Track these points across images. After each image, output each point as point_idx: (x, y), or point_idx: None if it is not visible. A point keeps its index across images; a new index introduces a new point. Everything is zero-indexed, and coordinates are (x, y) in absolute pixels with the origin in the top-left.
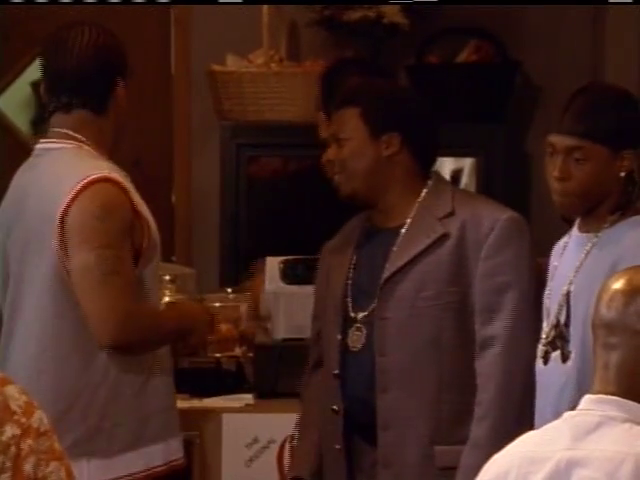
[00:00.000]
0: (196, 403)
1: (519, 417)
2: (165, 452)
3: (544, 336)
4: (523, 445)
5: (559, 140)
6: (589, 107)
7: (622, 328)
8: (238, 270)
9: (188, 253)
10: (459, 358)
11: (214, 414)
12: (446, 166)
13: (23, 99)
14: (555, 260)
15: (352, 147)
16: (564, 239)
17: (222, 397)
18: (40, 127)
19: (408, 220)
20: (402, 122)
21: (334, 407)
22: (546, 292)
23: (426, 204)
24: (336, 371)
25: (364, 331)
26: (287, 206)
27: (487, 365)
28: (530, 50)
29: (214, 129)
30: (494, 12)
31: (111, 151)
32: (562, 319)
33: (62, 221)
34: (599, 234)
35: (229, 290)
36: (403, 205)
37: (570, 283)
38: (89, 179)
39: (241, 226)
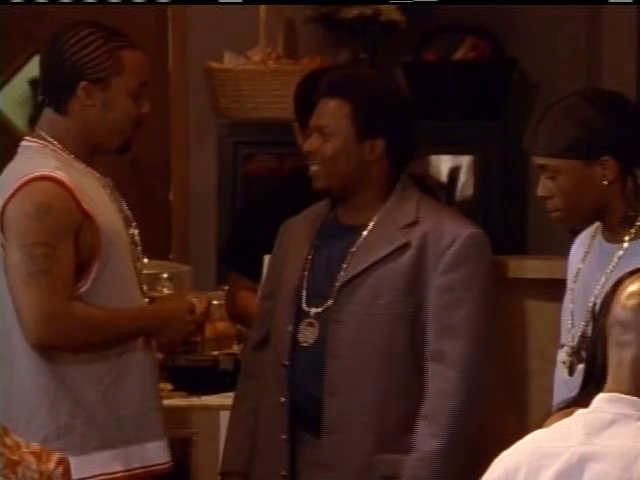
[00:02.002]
0: (194, 401)
1: (467, 434)
2: (143, 455)
3: (570, 343)
4: (533, 441)
5: (533, 160)
6: (548, 124)
7: (636, 325)
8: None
9: (185, 251)
10: (408, 368)
11: (212, 412)
12: (444, 164)
13: (21, 97)
14: (577, 261)
15: (335, 145)
16: (584, 239)
17: (220, 395)
18: None
19: (371, 223)
20: (390, 129)
21: (281, 399)
22: (568, 295)
23: (390, 210)
24: (285, 362)
25: (317, 327)
26: (288, 204)
27: (436, 381)
28: (527, 48)
29: (211, 127)
30: (491, 10)
31: (93, 152)
32: (589, 332)
33: (1, 218)
34: (624, 246)
35: (226, 288)
36: (371, 206)
37: (596, 297)
38: (28, 177)
39: None
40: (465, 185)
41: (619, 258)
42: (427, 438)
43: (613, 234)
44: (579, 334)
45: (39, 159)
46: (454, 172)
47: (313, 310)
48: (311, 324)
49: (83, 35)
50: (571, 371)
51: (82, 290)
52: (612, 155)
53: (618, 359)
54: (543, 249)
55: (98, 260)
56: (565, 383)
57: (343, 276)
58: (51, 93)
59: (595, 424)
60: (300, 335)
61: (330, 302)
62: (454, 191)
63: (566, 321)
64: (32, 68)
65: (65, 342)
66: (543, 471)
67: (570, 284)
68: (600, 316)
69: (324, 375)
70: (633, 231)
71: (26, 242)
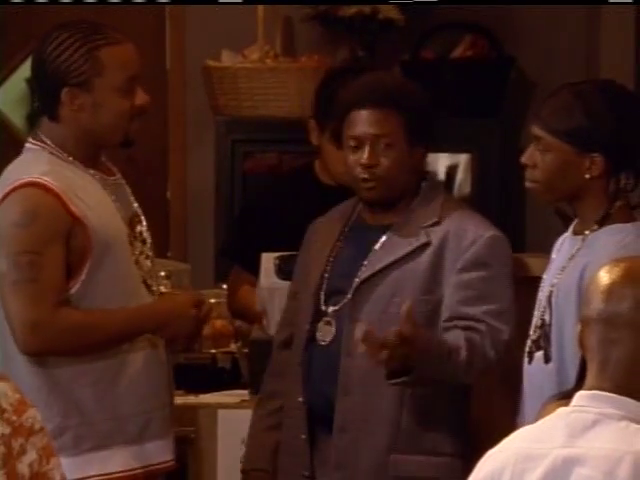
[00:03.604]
0: (191, 399)
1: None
2: (143, 455)
3: (531, 332)
4: (518, 441)
5: (531, 128)
6: (558, 101)
7: (624, 323)
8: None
9: (183, 249)
10: None
11: (209, 410)
12: (441, 162)
13: (18, 95)
14: (554, 254)
15: (394, 157)
16: (565, 234)
17: (217, 393)
18: (35, 123)
19: (396, 223)
20: (430, 137)
21: (300, 398)
22: (541, 284)
23: (415, 209)
24: (302, 361)
25: (334, 325)
26: (282, 202)
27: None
28: (525, 46)
29: (209, 125)
30: (489, 8)
31: (90, 152)
32: (547, 319)
33: None
34: (584, 238)
35: (224, 286)
36: (398, 207)
37: (552, 285)
38: (16, 183)
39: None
40: (463, 183)
41: (577, 249)
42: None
43: (579, 227)
44: (538, 323)
45: (31, 164)
46: (452, 170)
47: (331, 309)
48: (329, 323)
49: (61, 40)
50: (530, 359)
51: (72, 291)
52: (603, 154)
53: (603, 357)
54: (540, 247)
55: (89, 262)
56: (525, 371)
57: (363, 273)
58: (41, 101)
59: (577, 424)
60: (318, 334)
61: (347, 299)
62: (452, 189)
63: (535, 312)
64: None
65: (53, 349)
66: (528, 474)
67: (543, 275)
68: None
69: (338, 373)
70: (597, 223)
71: (12, 250)
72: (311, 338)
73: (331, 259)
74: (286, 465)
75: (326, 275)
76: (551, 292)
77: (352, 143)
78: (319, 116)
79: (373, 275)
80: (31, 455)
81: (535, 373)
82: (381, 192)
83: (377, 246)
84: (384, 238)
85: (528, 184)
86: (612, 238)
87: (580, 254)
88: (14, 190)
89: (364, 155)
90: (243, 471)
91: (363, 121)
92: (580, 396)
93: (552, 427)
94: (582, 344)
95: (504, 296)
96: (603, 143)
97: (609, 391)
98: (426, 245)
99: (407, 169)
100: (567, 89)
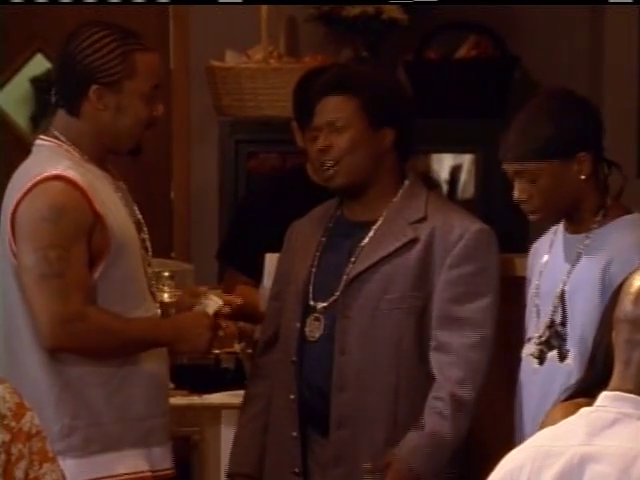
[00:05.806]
0: (195, 399)
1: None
2: (150, 458)
3: (537, 335)
4: (539, 439)
5: (507, 167)
6: (517, 129)
7: None
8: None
9: (187, 249)
10: (417, 362)
11: (213, 410)
12: (445, 162)
13: (22, 95)
14: (540, 258)
15: (351, 136)
16: (546, 238)
17: (221, 393)
18: (39, 123)
19: (380, 219)
20: (399, 118)
21: (291, 396)
22: (532, 290)
23: (399, 205)
24: (294, 358)
25: (322, 322)
26: (286, 202)
27: (440, 370)
28: (529, 46)
29: (213, 125)
30: (493, 8)
31: (103, 153)
32: (557, 319)
33: (13, 218)
34: (590, 235)
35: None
36: (379, 202)
37: (564, 284)
38: (41, 177)
39: None
40: (466, 183)
41: (585, 245)
42: (435, 418)
43: (579, 225)
44: (547, 323)
45: (52, 158)
46: (456, 170)
47: (320, 305)
48: (317, 319)
49: (96, 38)
50: (541, 360)
51: None
52: (586, 150)
53: (627, 358)
54: None
55: (105, 261)
56: (535, 373)
57: (351, 271)
58: (63, 95)
59: (597, 423)
60: (307, 330)
61: (336, 296)
62: (455, 189)
63: (531, 316)
64: (34, 66)
65: (80, 345)
66: (545, 471)
67: (534, 281)
68: (609, 309)
69: (332, 370)
70: (598, 219)
71: (40, 245)
72: (301, 335)
73: (317, 255)
74: (274, 464)
75: (314, 270)
76: (563, 292)
77: (313, 135)
78: (298, 118)
79: (362, 272)
80: (26, 460)
81: (549, 373)
82: (342, 178)
83: (364, 242)
84: (371, 234)
85: (532, 216)
86: (632, 230)
87: (592, 250)
88: (39, 183)
89: (319, 141)
90: (229, 475)
91: (319, 111)
92: (604, 397)
93: (573, 426)
94: (615, 344)
95: (490, 291)
96: (579, 139)
97: (631, 392)
98: (414, 241)
99: (369, 151)
100: (518, 115)
